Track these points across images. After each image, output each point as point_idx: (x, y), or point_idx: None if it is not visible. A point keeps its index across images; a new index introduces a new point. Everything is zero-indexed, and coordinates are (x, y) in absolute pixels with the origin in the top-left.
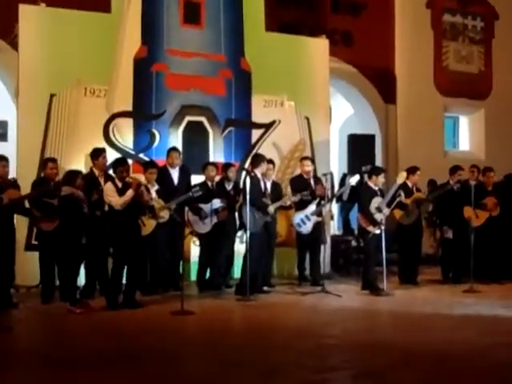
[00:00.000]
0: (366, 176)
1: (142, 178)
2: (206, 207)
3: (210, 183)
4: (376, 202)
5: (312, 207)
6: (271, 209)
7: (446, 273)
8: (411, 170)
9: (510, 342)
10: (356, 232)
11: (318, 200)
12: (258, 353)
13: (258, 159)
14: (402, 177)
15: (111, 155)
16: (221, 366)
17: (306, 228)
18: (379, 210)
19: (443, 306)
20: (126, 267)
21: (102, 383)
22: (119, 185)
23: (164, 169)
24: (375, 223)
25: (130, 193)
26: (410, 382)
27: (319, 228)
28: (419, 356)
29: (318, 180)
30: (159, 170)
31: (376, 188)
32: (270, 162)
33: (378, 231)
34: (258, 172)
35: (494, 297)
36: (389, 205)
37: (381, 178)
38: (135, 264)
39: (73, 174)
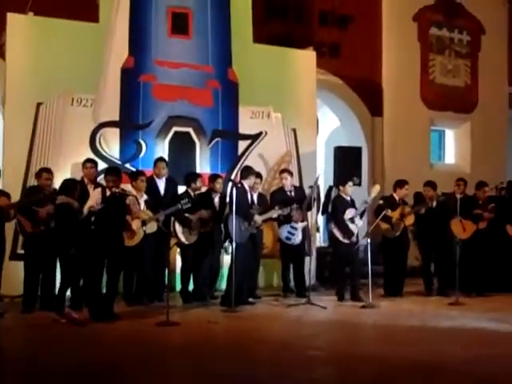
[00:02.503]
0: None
1: (128, 188)
2: (192, 217)
3: (192, 193)
4: (349, 213)
5: (294, 214)
6: (258, 219)
7: (428, 285)
8: (399, 184)
9: (495, 354)
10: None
11: (295, 206)
12: (243, 365)
13: (247, 171)
14: (375, 190)
15: (100, 165)
16: (207, 378)
17: (296, 239)
18: (352, 220)
19: (429, 318)
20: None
21: None
22: (107, 194)
23: (151, 179)
24: (349, 234)
25: (87, 209)
26: None
27: (304, 239)
28: (405, 369)
29: (301, 191)
30: (146, 180)
31: (348, 198)
32: (258, 176)
33: (347, 241)
34: (246, 184)
35: (480, 310)
36: (361, 216)
37: (348, 188)
38: (114, 275)
39: (70, 183)
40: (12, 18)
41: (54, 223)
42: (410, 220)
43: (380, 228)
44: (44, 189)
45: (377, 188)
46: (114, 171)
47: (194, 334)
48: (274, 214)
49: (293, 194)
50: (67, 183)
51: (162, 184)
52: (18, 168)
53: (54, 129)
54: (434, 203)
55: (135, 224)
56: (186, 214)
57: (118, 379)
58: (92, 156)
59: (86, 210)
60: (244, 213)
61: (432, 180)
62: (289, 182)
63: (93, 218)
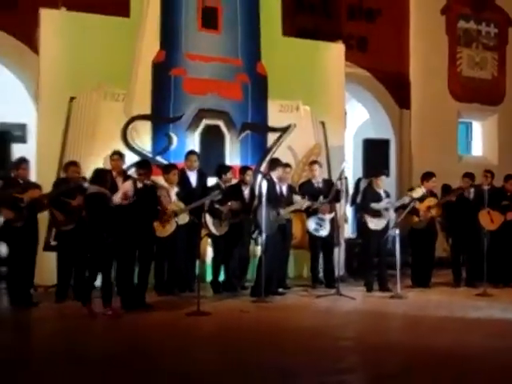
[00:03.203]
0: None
1: (160, 180)
2: (222, 209)
3: (223, 185)
4: (382, 204)
5: (322, 207)
6: (283, 211)
7: (457, 276)
8: (426, 176)
9: None
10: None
11: (322, 200)
12: (273, 354)
13: (275, 163)
14: (419, 191)
15: (130, 158)
16: (238, 367)
17: (324, 230)
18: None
19: (456, 309)
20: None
21: (116, 380)
22: (139, 186)
23: (182, 171)
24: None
25: (119, 198)
26: None
27: (332, 230)
28: (433, 358)
29: (329, 184)
30: (179, 173)
31: (381, 191)
32: (287, 165)
33: (378, 227)
34: (274, 176)
35: (507, 301)
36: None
37: (379, 181)
38: (146, 265)
39: (102, 173)
40: (45, 14)
41: (86, 213)
42: (436, 211)
43: (408, 219)
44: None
45: (420, 191)
46: (144, 164)
47: (225, 324)
48: (304, 205)
49: (320, 185)
50: (99, 173)
51: (193, 176)
52: (52, 161)
53: (87, 123)
54: (471, 194)
55: (167, 215)
56: (217, 206)
57: (150, 366)
58: (124, 149)
59: (117, 200)
60: (273, 204)
61: (470, 171)
62: (318, 174)
63: (124, 210)
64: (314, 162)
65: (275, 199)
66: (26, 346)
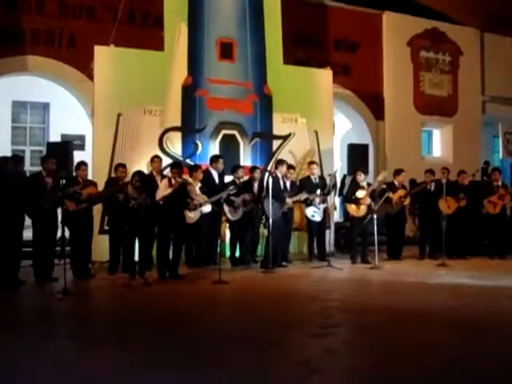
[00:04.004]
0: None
1: (188, 178)
2: (237, 200)
3: (237, 181)
4: (360, 193)
5: (317, 199)
6: (289, 201)
7: (422, 250)
8: (397, 172)
9: (473, 302)
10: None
11: (319, 193)
12: (277, 312)
13: (279, 163)
14: (383, 174)
15: (165, 161)
16: (249, 320)
17: (318, 217)
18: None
19: (422, 276)
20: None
21: (158, 332)
22: (173, 183)
23: (207, 171)
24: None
25: (168, 191)
26: (401, 334)
27: (325, 217)
28: (406, 314)
29: (323, 180)
30: (204, 172)
31: (364, 183)
32: (292, 167)
33: (359, 214)
34: (279, 172)
35: (461, 269)
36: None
37: (358, 176)
38: (179, 245)
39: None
40: (98, 50)
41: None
42: (406, 200)
43: (383, 206)
44: (120, 180)
45: (384, 173)
46: (177, 165)
47: (240, 289)
48: (302, 196)
49: (317, 181)
50: (134, 174)
51: (216, 175)
52: (104, 164)
53: (131, 133)
54: (433, 186)
55: (194, 206)
56: (232, 198)
57: (187, 320)
58: (160, 154)
59: (160, 196)
60: (277, 196)
61: (431, 168)
62: (316, 171)
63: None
64: (313, 162)
65: (278, 192)
66: (87, 308)
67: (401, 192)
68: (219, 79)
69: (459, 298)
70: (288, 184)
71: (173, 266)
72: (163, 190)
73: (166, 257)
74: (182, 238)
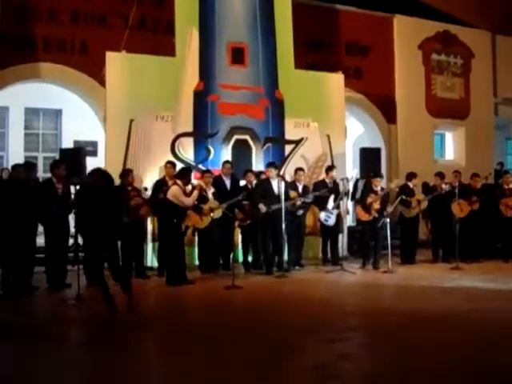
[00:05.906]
0: (360, 180)
1: (200, 183)
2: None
3: (249, 186)
4: (370, 198)
5: (331, 203)
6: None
7: (435, 254)
8: (411, 175)
9: (486, 306)
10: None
11: (333, 197)
12: (291, 316)
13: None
14: (395, 182)
15: (178, 166)
16: (263, 325)
17: (331, 221)
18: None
19: (435, 279)
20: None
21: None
22: (183, 188)
23: (219, 177)
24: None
25: (195, 193)
26: (415, 337)
27: (338, 221)
28: (421, 318)
29: (336, 184)
30: (215, 177)
31: (378, 188)
32: (300, 169)
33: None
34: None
35: (475, 273)
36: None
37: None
38: (180, 248)
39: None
40: (110, 56)
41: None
42: (424, 204)
43: (398, 210)
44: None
45: (395, 181)
46: (185, 171)
47: (254, 294)
48: (308, 199)
49: (331, 185)
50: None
51: (228, 181)
52: (117, 170)
53: (143, 139)
54: (445, 190)
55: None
56: (244, 202)
57: (198, 320)
58: (172, 159)
59: (191, 200)
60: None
61: (441, 171)
62: (334, 175)
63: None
64: (332, 167)
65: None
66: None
67: (419, 196)
68: (231, 84)
69: (474, 302)
70: (300, 187)
71: (180, 271)
72: (179, 195)
73: (173, 262)
74: (182, 241)
